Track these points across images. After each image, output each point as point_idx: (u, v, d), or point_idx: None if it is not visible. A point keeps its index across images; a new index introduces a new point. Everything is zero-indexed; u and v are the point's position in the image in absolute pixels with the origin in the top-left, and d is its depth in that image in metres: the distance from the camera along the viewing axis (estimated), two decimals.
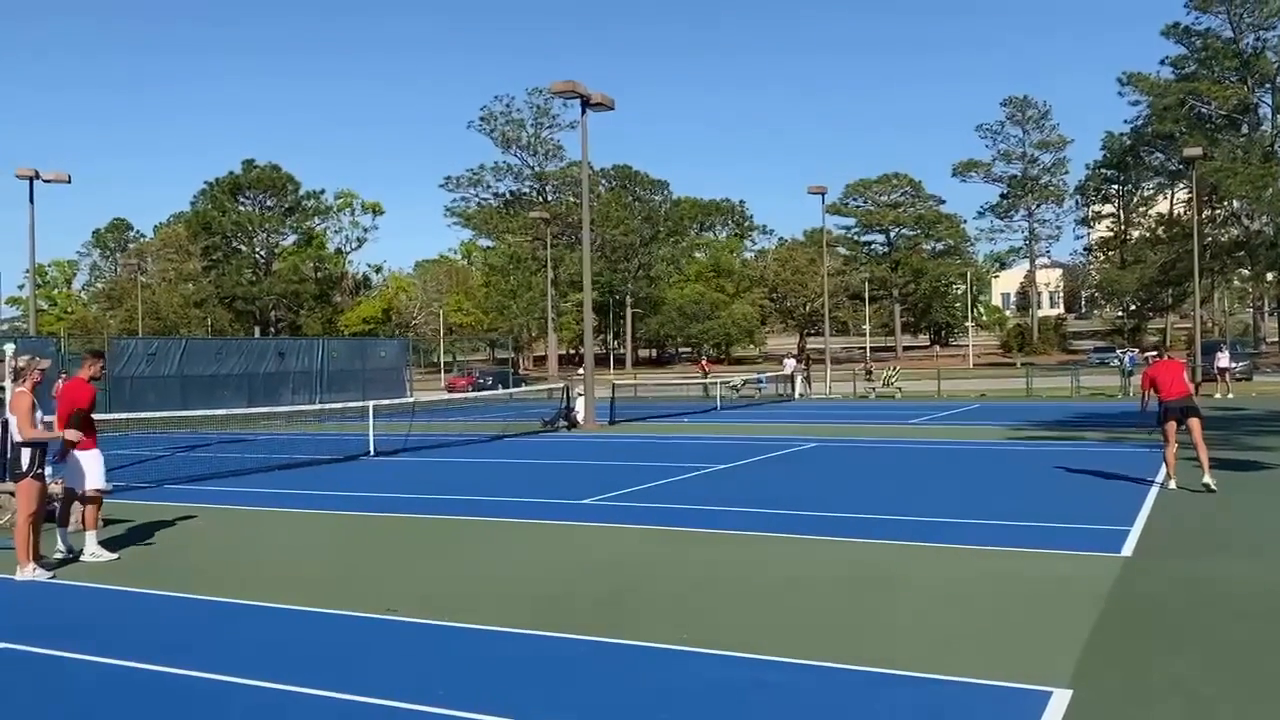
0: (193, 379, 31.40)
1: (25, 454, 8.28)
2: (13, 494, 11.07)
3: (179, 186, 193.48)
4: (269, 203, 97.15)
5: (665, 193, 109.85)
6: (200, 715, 5.02)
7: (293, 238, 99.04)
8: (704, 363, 65.03)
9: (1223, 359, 33.83)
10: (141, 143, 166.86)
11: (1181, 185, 79.93)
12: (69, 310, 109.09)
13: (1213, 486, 11.58)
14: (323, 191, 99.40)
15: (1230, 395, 32.20)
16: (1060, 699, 4.97)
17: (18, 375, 8.53)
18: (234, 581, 8.10)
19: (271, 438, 23.60)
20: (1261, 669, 5.47)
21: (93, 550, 9.04)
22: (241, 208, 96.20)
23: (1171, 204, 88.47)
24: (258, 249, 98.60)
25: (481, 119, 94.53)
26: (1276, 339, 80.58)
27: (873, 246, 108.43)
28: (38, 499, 8.41)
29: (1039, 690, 5.09)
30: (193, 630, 6.74)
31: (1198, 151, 42.07)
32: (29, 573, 8.27)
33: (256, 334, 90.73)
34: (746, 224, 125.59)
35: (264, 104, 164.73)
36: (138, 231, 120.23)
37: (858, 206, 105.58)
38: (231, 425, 27.21)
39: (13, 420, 8.34)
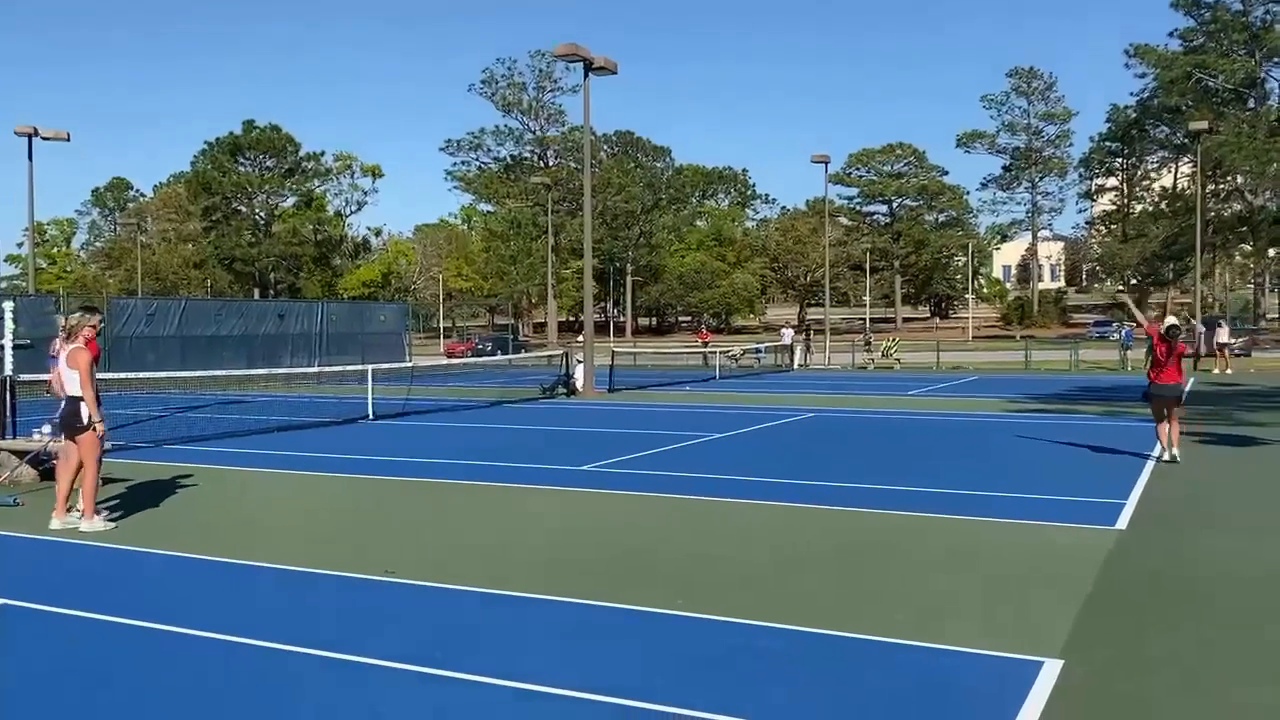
0: (192, 339, 31.38)
1: (84, 408, 8.49)
2: (14, 452, 11.14)
3: (179, 146, 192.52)
4: (269, 164, 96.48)
5: (667, 160, 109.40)
6: (197, 673, 5.06)
7: (292, 199, 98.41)
8: (703, 332, 65.02)
9: (1222, 334, 33.81)
10: (141, 101, 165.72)
11: (1186, 159, 79.50)
12: (68, 269, 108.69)
13: (1178, 459, 11.97)
14: (322, 153, 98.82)
15: (1229, 371, 32.22)
16: (1052, 669, 5.01)
17: (70, 333, 8.71)
18: (231, 541, 8.14)
19: (270, 399, 23.63)
20: (1254, 642, 5.52)
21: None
22: (241, 169, 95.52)
23: (1175, 178, 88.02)
24: (257, 210, 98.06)
25: (483, 82, 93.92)
26: (1277, 315, 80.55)
27: (875, 217, 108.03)
28: (101, 451, 8.72)
29: (1031, 660, 5.14)
30: (190, 589, 6.78)
31: (1203, 125, 41.79)
32: (98, 524, 8.53)
33: (256, 295, 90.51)
34: (749, 192, 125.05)
35: (265, 64, 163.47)
36: (137, 191, 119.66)
37: (860, 176, 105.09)
38: (230, 386, 27.25)
39: (73, 376, 8.50)
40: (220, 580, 7.01)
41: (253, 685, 4.90)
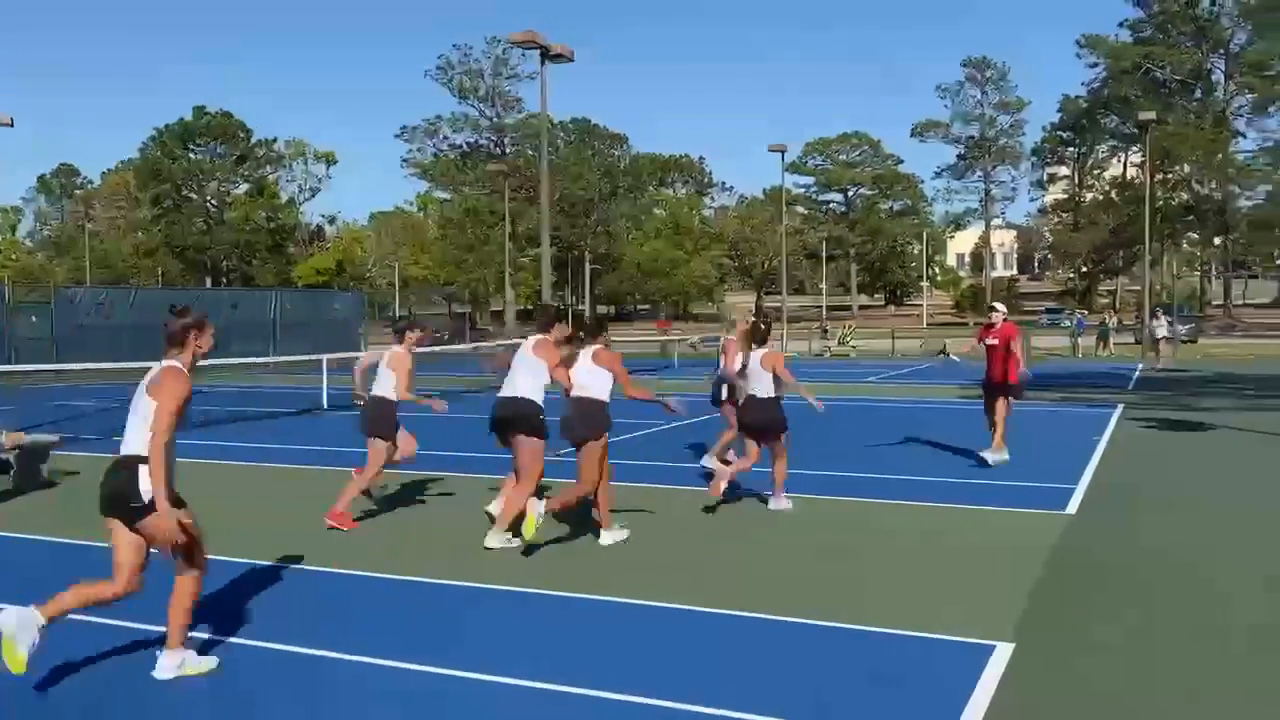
0: (143, 329, 30.83)
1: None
2: None
3: (127, 132, 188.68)
4: (220, 150, 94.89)
5: (624, 147, 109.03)
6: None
7: (244, 187, 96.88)
8: (663, 320, 65.09)
9: (1160, 329, 33.80)
10: (88, 85, 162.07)
11: (1135, 149, 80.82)
12: (14, 257, 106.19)
13: None
14: (275, 140, 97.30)
15: (1174, 359, 32.82)
16: (1003, 652, 5.10)
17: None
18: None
19: (224, 390, 23.30)
20: (1200, 624, 5.66)
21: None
22: (192, 155, 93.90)
23: (1125, 167, 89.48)
24: (209, 198, 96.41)
25: (439, 68, 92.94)
26: (1221, 303, 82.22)
27: (831, 205, 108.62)
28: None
29: (982, 644, 5.23)
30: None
31: (1152, 116, 42.57)
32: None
33: (208, 285, 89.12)
34: (706, 180, 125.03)
35: (215, 49, 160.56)
36: (85, 178, 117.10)
37: (817, 165, 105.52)
38: None
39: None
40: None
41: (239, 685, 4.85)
